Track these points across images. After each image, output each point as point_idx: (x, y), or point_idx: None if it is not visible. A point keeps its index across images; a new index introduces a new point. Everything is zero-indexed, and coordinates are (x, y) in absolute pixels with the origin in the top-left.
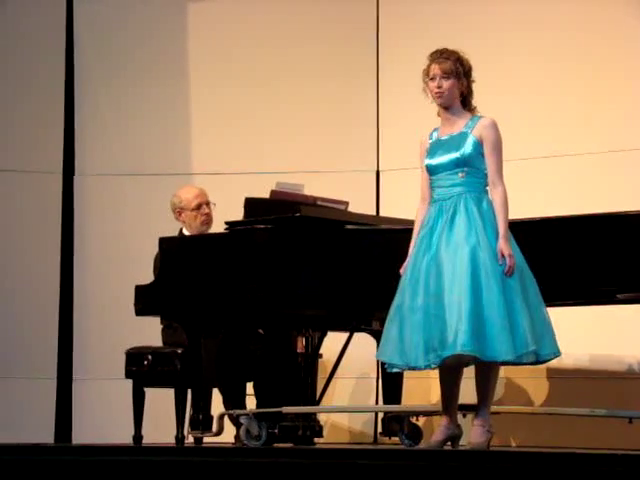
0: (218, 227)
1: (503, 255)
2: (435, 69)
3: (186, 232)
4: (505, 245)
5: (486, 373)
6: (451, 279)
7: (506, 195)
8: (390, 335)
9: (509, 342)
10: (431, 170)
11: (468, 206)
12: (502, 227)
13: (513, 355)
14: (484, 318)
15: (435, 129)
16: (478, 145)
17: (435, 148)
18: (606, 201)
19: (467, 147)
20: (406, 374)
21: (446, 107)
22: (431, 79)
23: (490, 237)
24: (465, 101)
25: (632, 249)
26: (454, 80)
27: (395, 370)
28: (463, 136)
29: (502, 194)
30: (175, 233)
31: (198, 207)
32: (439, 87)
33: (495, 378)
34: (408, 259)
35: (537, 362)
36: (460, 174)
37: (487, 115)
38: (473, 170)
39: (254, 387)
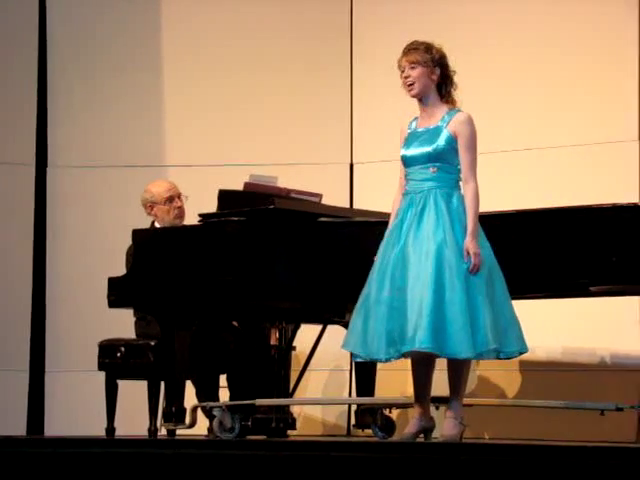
0: (191, 219)
1: (469, 253)
2: (403, 61)
3: (158, 226)
4: (472, 243)
5: (458, 366)
6: (415, 275)
7: (477, 192)
8: (355, 326)
9: (468, 340)
10: (405, 162)
11: (437, 202)
12: (471, 224)
13: (472, 353)
14: (445, 315)
15: (415, 118)
16: (452, 140)
17: (411, 139)
18: (578, 194)
19: (440, 142)
20: (379, 366)
21: (420, 99)
22: (402, 72)
23: (457, 234)
24: (442, 91)
25: (604, 242)
26: (423, 69)
27: (359, 360)
28: (437, 130)
29: (473, 191)
30: (148, 225)
31: (170, 200)
32: (407, 77)
33: (467, 371)
34: (380, 248)
35: (499, 358)
36: (432, 169)
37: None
38: (445, 165)
39: (227, 380)
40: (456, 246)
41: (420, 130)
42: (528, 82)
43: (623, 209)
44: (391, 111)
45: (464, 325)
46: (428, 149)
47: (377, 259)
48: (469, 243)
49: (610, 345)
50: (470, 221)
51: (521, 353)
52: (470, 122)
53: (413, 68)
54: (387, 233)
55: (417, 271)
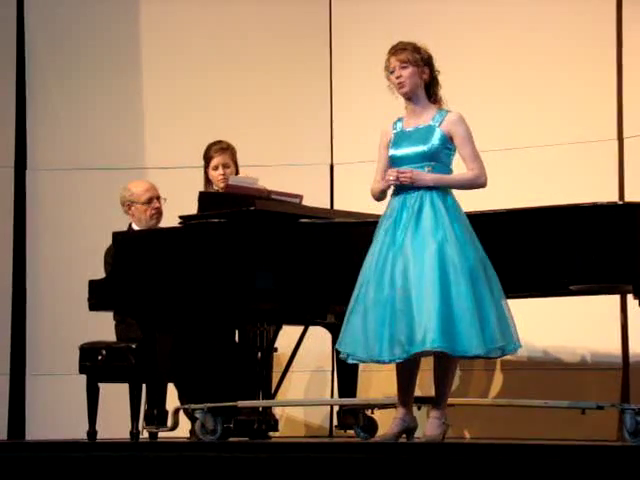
0: (170, 221)
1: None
2: (393, 61)
3: (135, 227)
4: (417, 173)
5: (446, 367)
6: (419, 275)
7: (477, 179)
8: (352, 326)
9: (479, 337)
10: (395, 161)
11: (434, 201)
12: (441, 176)
13: (483, 350)
14: (453, 314)
15: (399, 119)
16: (445, 140)
17: (400, 139)
18: (558, 193)
19: (434, 140)
20: (361, 367)
21: (410, 97)
22: (391, 72)
23: (457, 232)
24: (430, 91)
25: (584, 241)
26: (414, 68)
27: (355, 362)
28: (430, 129)
29: (473, 174)
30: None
31: (149, 201)
32: (399, 77)
33: (454, 372)
34: (373, 249)
35: (503, 355)
36: (427, 168)
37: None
38: (439, 165)
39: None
40: (457, 244)
41: (409, 130)
42: (507, 82)
43: (603, 208)
44: (371, 111)
45: (473, 322)
46: (423, 148)
47: (370, 259)
48: (419, 172)
49: (591, 344)
50: (445, 177)
51: (517, 349)
52: (463, 120)
53: (404, 68)
54: (380, 232)
55: (420, 271)
